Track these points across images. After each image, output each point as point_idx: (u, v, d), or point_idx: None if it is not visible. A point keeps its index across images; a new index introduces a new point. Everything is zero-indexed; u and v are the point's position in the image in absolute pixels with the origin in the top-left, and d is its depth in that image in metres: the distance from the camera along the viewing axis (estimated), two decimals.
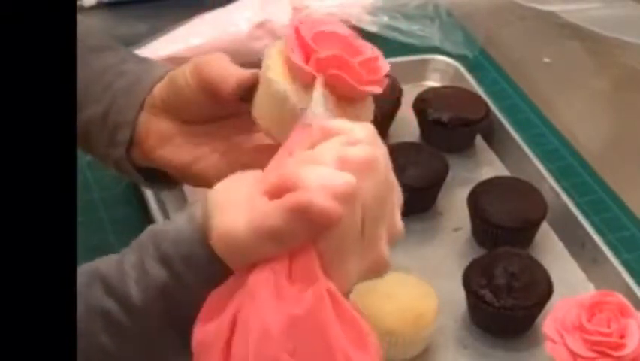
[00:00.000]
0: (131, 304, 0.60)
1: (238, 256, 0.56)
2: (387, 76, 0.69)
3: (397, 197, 0.61)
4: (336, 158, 0.56)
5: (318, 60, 0.64)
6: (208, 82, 0.73)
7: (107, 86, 0.79)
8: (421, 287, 0.92)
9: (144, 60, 0.82)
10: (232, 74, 0.72)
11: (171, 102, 0.76)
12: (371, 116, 0.69)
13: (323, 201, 0.54)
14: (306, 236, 0.55)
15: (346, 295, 0.57)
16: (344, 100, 0.66)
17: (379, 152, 0.59)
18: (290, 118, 0.65)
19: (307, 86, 0.65)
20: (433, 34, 1.31)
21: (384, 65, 0.68)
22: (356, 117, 0.65)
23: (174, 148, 0.76)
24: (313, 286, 0.54)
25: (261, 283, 0.54)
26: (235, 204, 0.56)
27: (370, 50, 0.68)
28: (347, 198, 0.55)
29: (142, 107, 0.77)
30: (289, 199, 0.54)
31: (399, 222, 0.60)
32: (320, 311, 0.53)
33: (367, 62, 0.66)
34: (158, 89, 0.77)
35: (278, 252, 0.55)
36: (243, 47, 1.18)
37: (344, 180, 0.55)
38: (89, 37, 0.82)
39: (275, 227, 0.54)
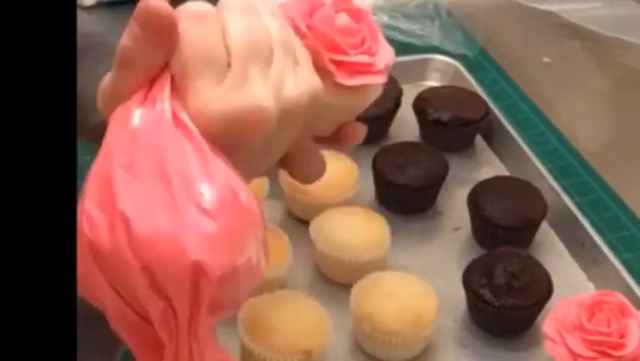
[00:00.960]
0: None
1: (106, 99, 0.55)
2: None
3: (301, 74, 0.57)
4: None
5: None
6: None
7: None
8: (421, 287, 0.92)
9: None
10: None
11: None
12: (361, 107, 0.66)
13: (156, 1, 0.52)
14: (152, 50, 0.53)
15: (204, 121, 0.53)
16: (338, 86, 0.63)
17: (264, 13, 0.57)
18: None
19: None
20: (433, 34, 1.31)
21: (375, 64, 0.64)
22: (348, 99, 0.63)
23: None
24: (156, 104, 0.52)
25: (117, 113, 0.53)
26: None
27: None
28: (193, 15, 0.54)
29: None
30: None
31: (290, 87, 0.56)
32: (157, 127, 0.51)
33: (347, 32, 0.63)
34: None
35: (135, 78, 0.54)
36: None
37: (195, 4, 0.54)
38: (110, 38, 0.83)
39: (123, 46, 0.53)
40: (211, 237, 0.49)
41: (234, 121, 0.53)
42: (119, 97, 0.54)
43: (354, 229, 0.97)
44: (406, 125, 1.16)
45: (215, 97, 0.53)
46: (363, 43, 0.64)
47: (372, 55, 0.64)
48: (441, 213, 1.07)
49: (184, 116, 0.52)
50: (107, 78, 0.55)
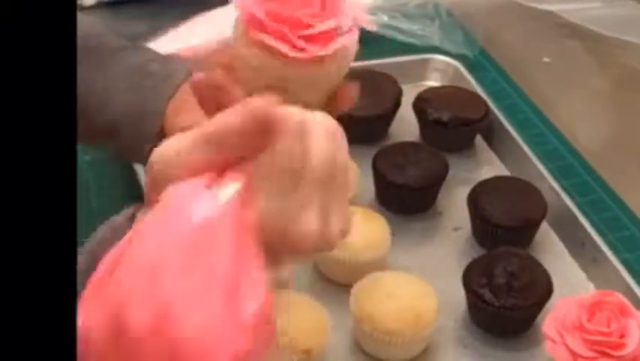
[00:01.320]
0: None
1: (165, 168, 0.53)
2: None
3: (346, 197, 0.59)
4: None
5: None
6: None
7: (133, 85, 0.80)
8: (421, 287, 0.92)
9: (169, 59, 0.83)
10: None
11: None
12: (344, 66, 0.65)
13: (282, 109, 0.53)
14: (249, 142, 0.53)
15: (258, 225, 0.53)
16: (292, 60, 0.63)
17: (342, 140, 0.57)
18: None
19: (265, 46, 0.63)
20: (433, 34, 1.31)
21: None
22: (329, 65, 0.63)
23: (187, 112, 0.77)
24: (219, 197, 0.52)
25: (174, 192, 0.52)
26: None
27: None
28: (299, 131, 0.54)
29: (169, 100, 0.79)
30: (245, 103, 0.52)
31: (334, 225, 0.57)
32: (214, 228, 0.51)
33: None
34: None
35: (215, 156, 0.53)
36: None
37: (300, 115, 0.54)
38: (109, 38, 0.83)
39: (227, 122, 0.52)
40: (243, 355, 0.50)
41: (282, 238, 0.54)
42: (186, 166, 0.53)
43: (354, 229, 0.96)
44: (406, 125, 1.16)
45: (271, 216, 0.53)
46: (323, 8, 0.63)
47: (335, 17, 0.64)
48: (441, 213, 1.07)
49: (244, 216, 0.52)
50: (174, 141, 0.53)
